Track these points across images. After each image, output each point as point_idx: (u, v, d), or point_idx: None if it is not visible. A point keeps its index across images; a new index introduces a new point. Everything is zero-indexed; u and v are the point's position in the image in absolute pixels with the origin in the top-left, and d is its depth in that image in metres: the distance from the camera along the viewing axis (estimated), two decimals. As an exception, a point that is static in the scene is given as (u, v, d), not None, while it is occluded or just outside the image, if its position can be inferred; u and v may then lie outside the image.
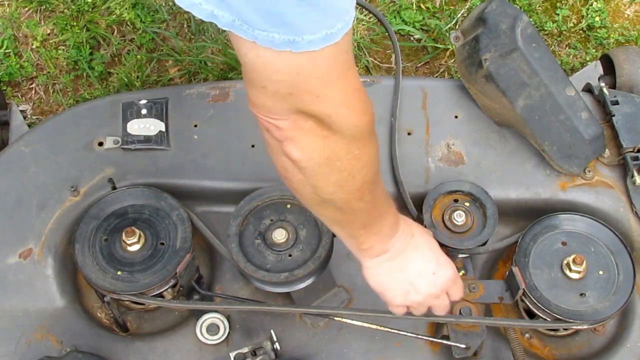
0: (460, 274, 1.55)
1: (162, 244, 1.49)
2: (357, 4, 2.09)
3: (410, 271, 1.30)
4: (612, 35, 2.32)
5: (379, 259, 1.28)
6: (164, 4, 2.33)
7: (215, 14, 0.91)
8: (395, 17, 2.32)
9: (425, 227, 1.55)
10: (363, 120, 1.04)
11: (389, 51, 2.30)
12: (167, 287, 1.48)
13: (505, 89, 1.61)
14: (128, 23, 2.29)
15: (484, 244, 1.56)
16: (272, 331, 1.51)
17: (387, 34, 2.23)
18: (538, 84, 1.60)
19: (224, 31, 2.35)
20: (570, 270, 1.49)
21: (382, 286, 1.32)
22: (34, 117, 2.19)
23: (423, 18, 2.32)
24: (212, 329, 1.54)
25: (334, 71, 0.97)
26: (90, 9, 2.30)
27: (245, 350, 1.52)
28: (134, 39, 2.28)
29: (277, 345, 1.50)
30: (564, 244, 1.53)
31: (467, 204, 1.58)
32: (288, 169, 1.08)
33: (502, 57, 1.61)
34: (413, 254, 1.30)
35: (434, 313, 1.38)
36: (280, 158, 1.08)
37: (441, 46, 2.28)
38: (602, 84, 1.76)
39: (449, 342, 1.49)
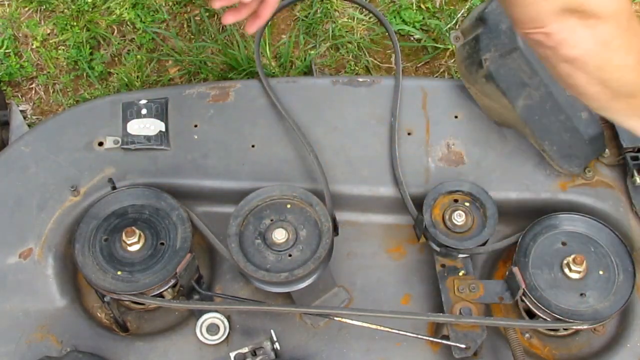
0: (460, 274, 1.56)
1: (162, 244, 1.49)
2: (357, 3, 2.10)
3: None
4: (612, 35, 2.32)
5: None
6: (164, 4, 2.33)
7: None
8: (395, 17, 2.32)
9: (425, 227, 1.55)
10: None
11: (389, 51, 2.30)
12: (167, 287, 1.48)
13: (505, 89, 1.61)
14: (128, 23, 2.29)
15: (484, 244, 1.56)
16: (272, 331, 1.51)
17: (387, 34, 2.24)
18: (538, 84, 1.60)
19: (224, 31, 2.36)
20: (570, 270, 1.49)
21: None
22: (34, 117, 2.19)
23: (423, 18, 2.32)
24: (212, 329, 1.54)
25: None
26: (90, 9, 2.30)
27: (245, 350, 1.52)
28: (134, 39, 2.28)
29: (277, 345, 1.50)
30: (564, 244, 1.53)
31: (467, 204, 1.58)
32: (571, 73, 1.12)
33: (502, 57, 1.61)
34: None
35: None
36: (560, 66, 1.12)
37: (441, 46, 2.28)
38: (602, 84, 1.77)
39: (449, 342, 1.49)
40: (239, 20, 1.40)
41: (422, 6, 2.34)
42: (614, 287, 1.49)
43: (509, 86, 1.61)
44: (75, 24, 2.27)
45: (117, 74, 2.22)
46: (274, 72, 2.23)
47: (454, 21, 2.31)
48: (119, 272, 1.46)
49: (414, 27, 2.30)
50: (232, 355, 1.51)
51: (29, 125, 2.07)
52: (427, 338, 1.54)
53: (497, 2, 1.64)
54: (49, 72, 2.24)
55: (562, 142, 1.61)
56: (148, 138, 1.67)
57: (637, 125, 1.27)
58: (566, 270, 1.50)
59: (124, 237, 1.47)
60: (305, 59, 2.26)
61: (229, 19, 1.39)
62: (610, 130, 1.70)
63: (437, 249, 1.56)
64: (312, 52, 2.27)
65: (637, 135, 1.30)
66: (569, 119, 1.61)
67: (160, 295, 1.51)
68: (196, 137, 1.70)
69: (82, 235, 1.49)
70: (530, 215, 1.59)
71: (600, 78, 1.13)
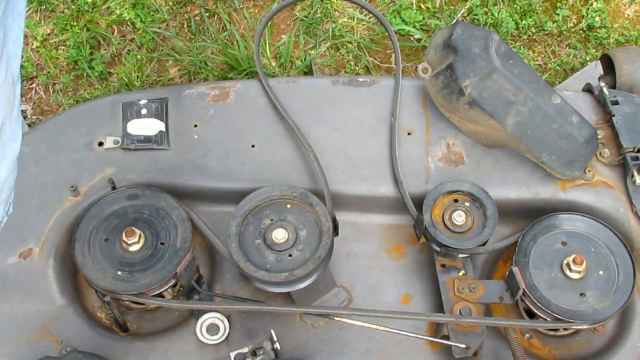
0: (460, 274, 1.56)
1: (162, 244, 1.49)
2: (357, 3, 2.10)
3: None
4: (612, 35, 2.32)
5: None
6: (164, 4, 2.33)
7: None
8: (395, 17, 2.32)
9: (425, 227, 1.55)
10: None
11: (389, 51, 2.30)
12: (167, 287, 1.48)
13: (492, 111, 1.60)
14: (128, 23, 2.29)
15: (484, 244, 1.56)
16: (272, 331, 1.51)
17: (387, 34, 2.24)
18: (524, 99, 1.59)
19: (224, 31, 2.36)
20: (570, 270, 1.49)
21: None
22: (34, 117, 2.19)
23: (423, 18, 2.32)
24: (212, 329, 1.54)
25: None
26: (90, 9, 2.30)
27: (245, 350, 1.52)
28: (134, 39, 2.28)
29: (277, 345, 1.50)
30: (564, 244, 1.53)
31: (467, 204, 1.58)
32: None
33: (483, 80, 1.59)
34: None
35: None
36: None
37: (441, 46, 2.28)
38: (602, 84, 1.76)
39: (449, 342, 1.49)
40: None
41: (422, 6, 2.34)
42: (614, 287, 1.49)
43: (495, 107, 1.60)
44: (75, 24, 2.27)
45: (117, 74, 2.22)
46: (274, 72, 2.23)
47: (454, 21, 2.31)
48: (119, 272, 1.46)
49: (414, 27, 2.31)
50: (232, 355, 1.51)
51: (29, 125, 2.07)
52: (427, 338, 1.55)
53: (461, 27, 1.62)
54: (49, 72, 2.24)
55: (560, 150, 1.61)
56: (148, 138, 1.67)
57: None
58: (566, 271, 1.50)
59: (124, 237, 1.47)
60: (305, 59, 2.26)
61: None
62: (610, 130, 1.70)
63: (437, 249, 1.56)
64: (312, 52, 2.27)
65: None
66: (561, 126, 1.60)
67: (160, 295, 1.51)
68: (196, 137, 1.70)
69: (82, 235, 1.49)
70: (530, 215, 1.59)
71: None
